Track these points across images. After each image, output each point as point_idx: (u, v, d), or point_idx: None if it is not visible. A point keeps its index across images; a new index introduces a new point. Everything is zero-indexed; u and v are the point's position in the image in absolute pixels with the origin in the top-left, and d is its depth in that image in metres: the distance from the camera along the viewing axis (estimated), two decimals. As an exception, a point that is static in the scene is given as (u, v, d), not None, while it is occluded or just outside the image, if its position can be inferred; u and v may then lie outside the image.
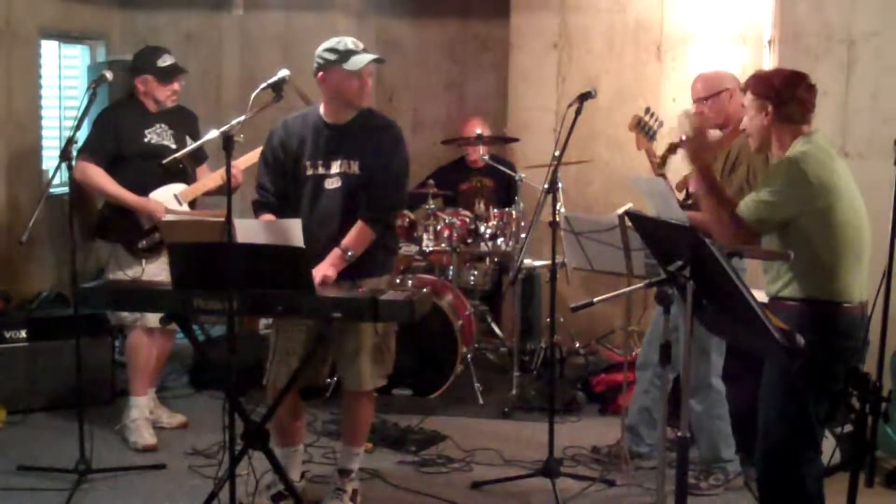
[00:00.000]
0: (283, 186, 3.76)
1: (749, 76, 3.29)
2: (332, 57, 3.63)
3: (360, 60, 3.63)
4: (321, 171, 3.70)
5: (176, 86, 4.61)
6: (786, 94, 3.13)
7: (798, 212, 3.03)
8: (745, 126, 3.30)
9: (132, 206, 4.45)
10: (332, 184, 3.69)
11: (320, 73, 3.67)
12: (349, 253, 3.63)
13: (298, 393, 3.85)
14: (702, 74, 4.25)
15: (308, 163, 3.71)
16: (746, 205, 3.09)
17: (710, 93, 4.11)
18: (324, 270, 3.58)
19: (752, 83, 3.21)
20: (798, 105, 3.14)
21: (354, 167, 3.69)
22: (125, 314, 4.56)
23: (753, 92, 3.18)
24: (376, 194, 3.68)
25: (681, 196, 4.19)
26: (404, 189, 3.88)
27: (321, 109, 3.76)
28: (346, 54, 3.62)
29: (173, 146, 4.53)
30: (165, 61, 4.57)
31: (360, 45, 3.68)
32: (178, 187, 4.55)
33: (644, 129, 4.50)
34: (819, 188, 3.02)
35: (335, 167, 3.69)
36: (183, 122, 4.69)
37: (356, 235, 3.65)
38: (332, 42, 3.67)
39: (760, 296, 2.76)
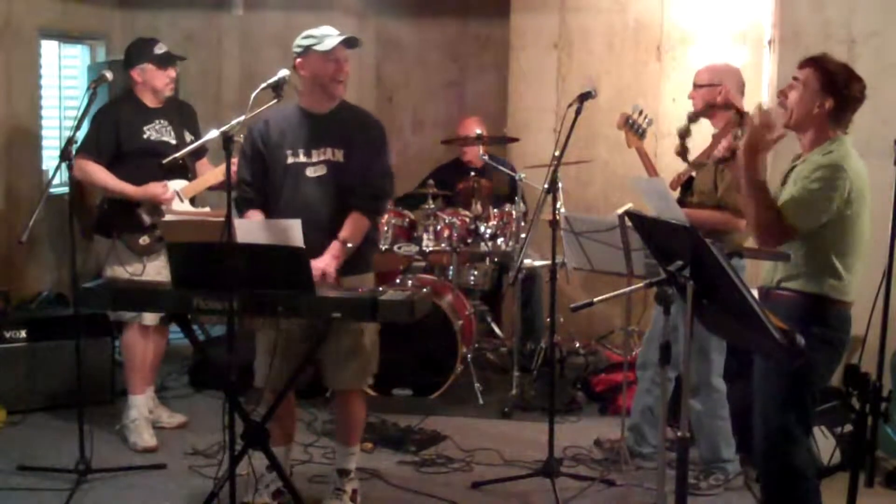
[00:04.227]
0: (262, 179, 3.76)
1: (814, 58, 3.18)
2: (307, 42, 3.67)
3: (333, 41, 3.65)
4: (302, 158, 3.70)
5: (172, 73, 4.61)
6: (849, 98, 3.10)
7: (833, 217, 3.04)
8: (792, 103, 3.16)
9: (135, 198, 4.42)
10: (314, 172, 3.69)
11: (298, 61, 3.70)
12: (349, 244, 3.64)
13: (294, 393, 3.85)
14: (710, 65, 4.33)
15: (289, 151, 3.71)
16: (787, 206, 3.05)
17: (704, 83, 4.17)
18: (325, 262, 3.58)
19: (819, 71, 3.11)
20: (852, 112, 3.13)
21: (339, 155, 3.70)
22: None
23: (819, 80, 3.10)
24: (370, 184, 3.71)
25: (676, 194, 4.20)
26: (393, 179, 3.90)
27: (299, 101, 3.78)
28: (322, 38, 3.66)
29: (173, 142, 4.53)
30: (161, 49, 4.58)
31: (337, 32, 3.70)
32: (179, 184, 4.54)
33: (633, 128, 4.51)
34: (854, 197, 3.03)
35: (317, 155, 3.70)
36: (181, 116, 4.68)
37: (353, 226, 3.67)
38: (310, 30, 3.71)
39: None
